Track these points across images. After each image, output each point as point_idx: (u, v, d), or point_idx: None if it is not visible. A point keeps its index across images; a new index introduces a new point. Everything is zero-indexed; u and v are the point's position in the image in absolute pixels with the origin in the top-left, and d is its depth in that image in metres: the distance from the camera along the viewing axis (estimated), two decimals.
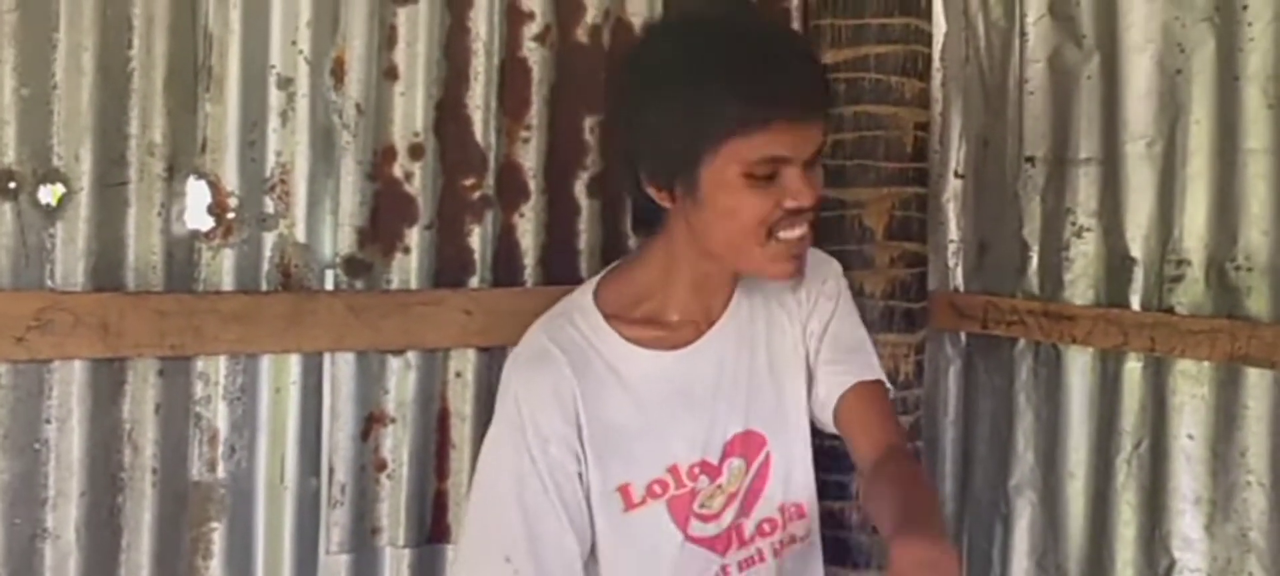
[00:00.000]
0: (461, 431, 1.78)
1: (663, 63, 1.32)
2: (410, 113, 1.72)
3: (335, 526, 1.71)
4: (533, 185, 1.81)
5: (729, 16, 1.33)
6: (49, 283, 1.52)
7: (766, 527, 1.46)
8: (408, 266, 1.74)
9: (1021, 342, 1.89)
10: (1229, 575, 1.64)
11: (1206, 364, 1.63)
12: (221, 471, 1.65)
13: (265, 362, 1.67)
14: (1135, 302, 1.72)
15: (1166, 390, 1.68)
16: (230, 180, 1.63)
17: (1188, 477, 1.67)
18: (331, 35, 1.67)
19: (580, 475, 1.39)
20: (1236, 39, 1.58)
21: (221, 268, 1.63)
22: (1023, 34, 1.85)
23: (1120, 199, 1.72)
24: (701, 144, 1.28)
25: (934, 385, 2.03)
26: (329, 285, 1.69)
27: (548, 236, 1.83)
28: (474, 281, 1.78)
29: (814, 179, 1.32)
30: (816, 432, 1.50)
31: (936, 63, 1.98)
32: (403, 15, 1.71)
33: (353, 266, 1.70)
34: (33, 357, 1.49)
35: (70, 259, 1.53)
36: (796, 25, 2.00)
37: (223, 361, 1.63)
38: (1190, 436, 1.66)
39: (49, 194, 1.52)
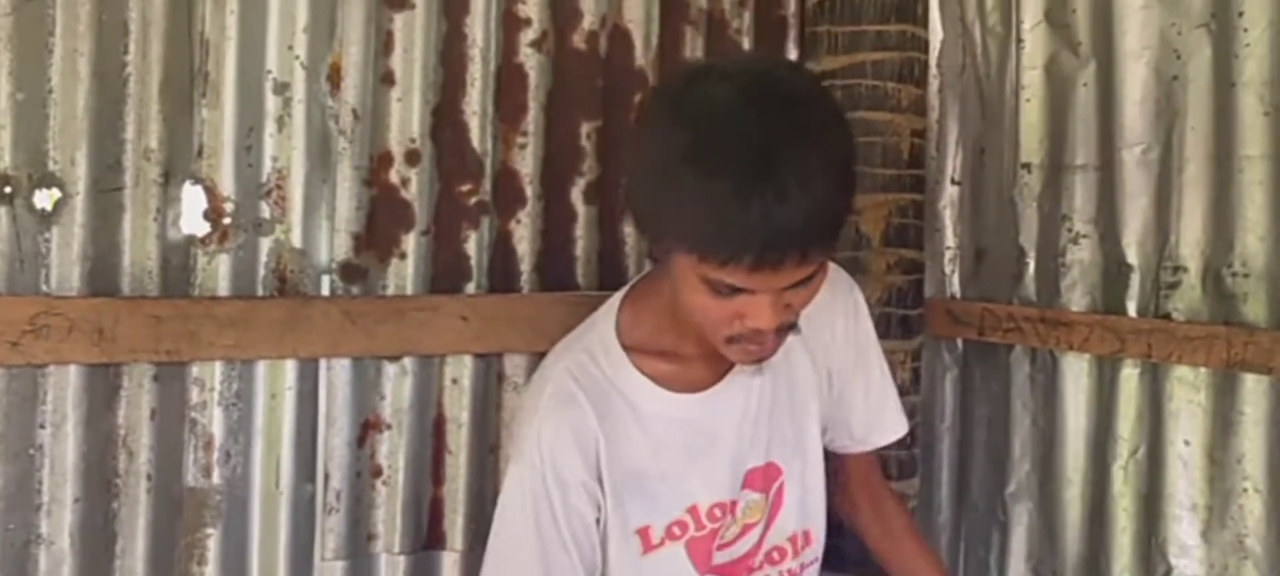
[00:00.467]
0: (458, 437, 1.77)
1: (665, 127, 1.18)
2: (407, 119, 1.72)
3: (330, 533, 1.70)
4: (529, 191, 1.81)
5: (751, 111, 1.13)
6: (44, 287, 1.52)
7: (775, 556, 1.45)
8: (404, 272, 1.73)
9: (1018, 349, 1.89)
10: None
11: (1203, 370, 1.63)
12: (216, 477, 1.64)
13: (261, 368, 1.66)
14: (1132, 309, 1.72)
15: (1163, 396, 1.68)
16: (226, 185, 1.63)
17: (1184, 484, 1.67)
18: (328, 41, 1.67)
19: (598, 520, 1.36)
20: (1232, 46, 1.58)
21: (217, 273, 1.63)
22: (1019, 41, 1.85)
23: (1117, 205, 1.73)
24: (668, 235, 1.20)
25: (931, 392, 2.03)
26: (325, 291, 1.69)
27: (544, 242, 1.83)
28: (470, 287, 1.77)
29: (794, 299, 1.21)
30: None
31: (933, 70, 1.99)
32: (399, 21, 1.71)
33: (349, 272, 1.70)
34: (27, 362, 1.49)
35: (65, 264, 1.53)
36: (793, 32, 2.01)
37: (218, 367, 1.63)
38: (1187, 442, 1.66)
39: (44, 199, 1.52)
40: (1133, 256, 1.72)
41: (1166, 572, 1.69)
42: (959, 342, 2.01)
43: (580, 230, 1.85)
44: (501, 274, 1.80)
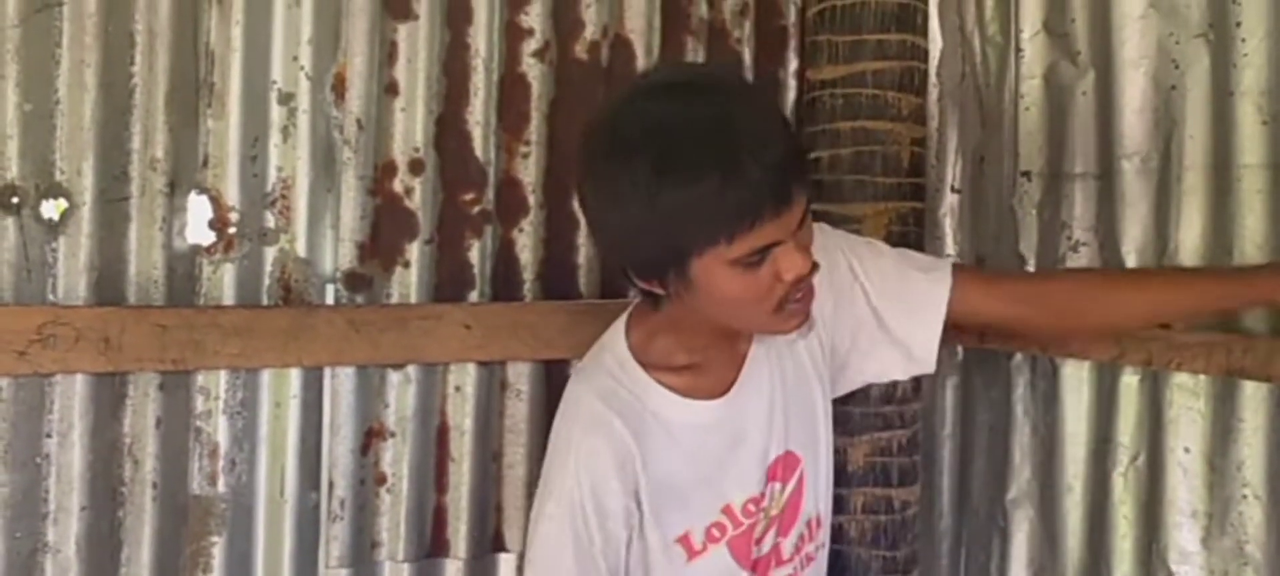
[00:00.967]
0: (461, 445, 1.78)
1: (623, 170, 1.21)
2: (410, 128, 1.73)
3: (335, 540, 1.71)
4: (532, 200, 1.82)
5: (686, 107, 1.21)
6: (51, 297, 1.53)
7: (799, 543, 1.47)
8: (407, 281, 1.74)
9: (1018, 356, 1.90)
10: None
11: (1203, 377, 1.63)
12: (222, 485, 1.65)
13: (266, 377, 1.67)
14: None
15: (1163, 403, 1.69)
16: (231, 195, 1.64)
17: (1184, 491, 1.67)
18: (332, 51, 1.68)
19: (630, 541, 1.38)
20: (1230, 55, 1.58)
21: (222, 282, 1.64)
22: (1018, 50, 1.86)
23: (1116, 213, 1.73)
24: (684, 253, 1.23)
25: (931, 399, 2.04)
26: (329, 299, 1.70)
27: (547, 251, 1.84)
28: (473, 296, 1.79)
29: (806, 241, 1.28)
30: None
31: (933, 78, 2.00)
32: (403, 32, 1.73)
33: (353, 281, 1.71)
34: (35, 372, 1.50)
35: (72, 273, 1.54)
36: (793, 41, 2.02)
37: (223, 376, 1.64)
38: (1187, 449, 1.67)
39: (51, 209, 1.53)
40: (1132, 264, 1.72)
41: None
42: (959, 350, 2.02)
43: (582, 239, 1.86)
44: (504, 282, 1.81)
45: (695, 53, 1.93)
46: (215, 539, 1.66)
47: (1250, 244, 1.58)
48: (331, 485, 1.71)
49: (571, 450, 1.36)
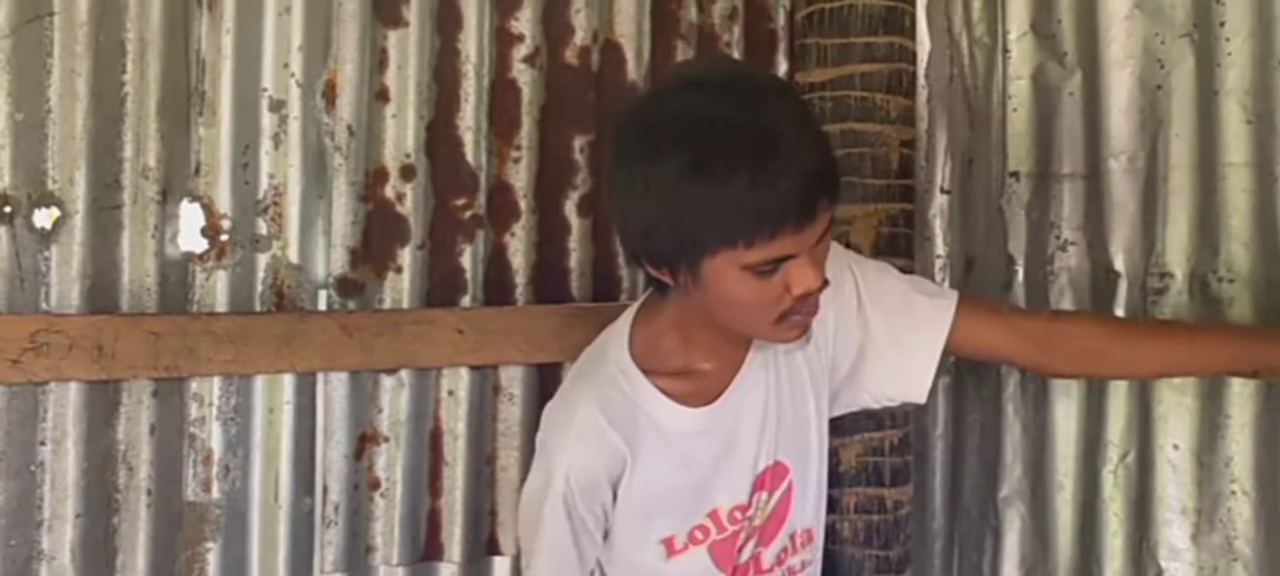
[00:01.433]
0: (454, 449, 1.79)
1: (654, 160, 1.21)
2: (401, 134, 1.74)
3: (329, 545, 1.72)
4: (523, 205, 1.83)
5: (726, 107, 1.20)
6: (44, 305, 1.54)
7: (783, 555, 1.47)
8: (400, 286, 1.75)
9: None
10: None
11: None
12: (216, 491, 1.66)
13: (259, 383, 1.68)
14: (1120, 315, 1.73)
15: (1152, 401, 1.70)
16: (223, 202, 1.65)
17: (1174, 487, 1.68)
18: (323, 58, 1.69)
19: (606, 533, 1.40)
20: (1215, 55, 1.60)
21: (215, 289, 1.65)
22: (1006, 51, 1.87)
23: (1104, 213, 1.74)
24: (700, 249, 1.22)
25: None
26: (322, 305, 1.71)
27: (538, 255, 1.85)
28: (466, 300, 1.79)
29: (822, 256, 1.27)
30: None
31: (921, 80, 2.00)
32: (393, 38, 1.73)
33: (345, 287, 1.72)
34: (28, 380, 1.50)
35: (65, 282, 1.55)
36: (782, 45, 2.03)
37: (217, 382, 1.65)
38: (1176, 446, 1.68)
39: (44, 218, 1.54)
40: (1120, 263, 1.73)
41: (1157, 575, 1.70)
42: None
43: (574, 242, 1.87)
44: (496, 286, 1.82)
45: (685, 57, 1.94)
46: (210, 545, 1.66)
47: (1236, 242, 1.59)
48: (326, 490, 1.72)
49: (564, 454, 1.36)
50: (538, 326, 1.79)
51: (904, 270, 1.88)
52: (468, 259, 1.79)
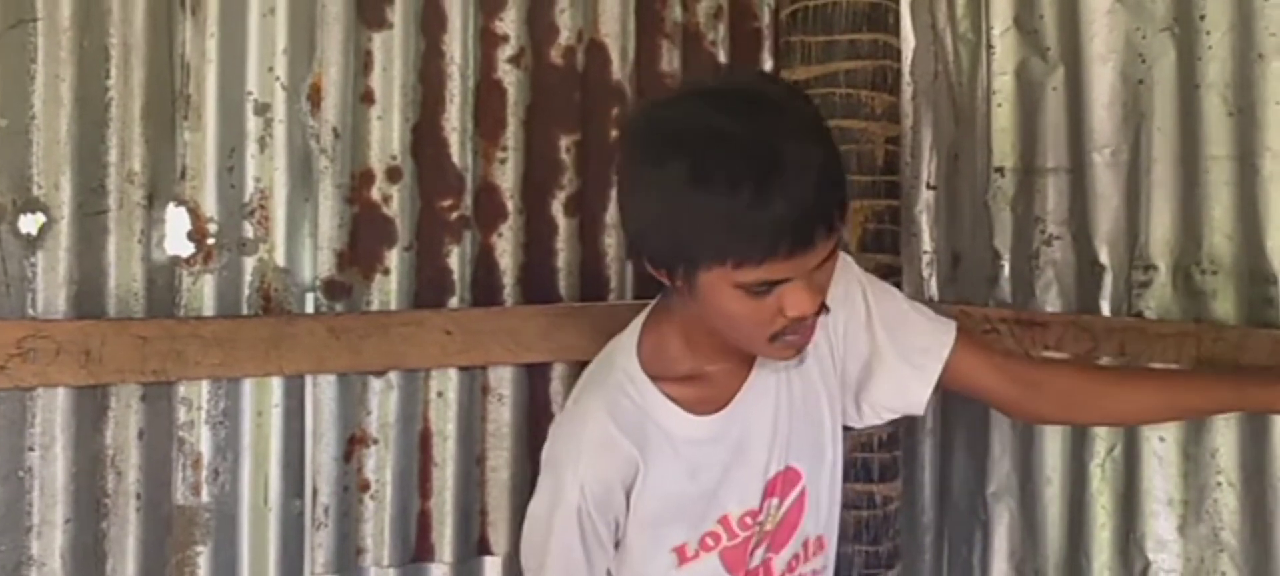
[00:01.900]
0: (444, 450, 1.79)
1: (658, 164, 1.21)
2: (387, 136, 1.75)
3: (320, 548, 1.72)
4: (510, 205, 1.83)
5: (737, 123, 1.18)
6: (31, 311, 1.54)
7: (794, 562, 1.46)
8: (387, 288, 1.75)
9: None
10: (1203, 574, 1.66)
11: (1175, 366, 1.65)
12: (205, 495, 1.66)
13: (247, 386, 1.68)
14: (1105, 308, 1.74)
15: None
16: (209, 206, 1.65)
17: (1160, 480, 1.69)
18: (308, 62, 1.69)
19: (617, 543, 1.40)
20: (1196, 48, 1.60)
21: (202, 293, 1.65)
22: (989, 47, 1.88)
23: (1088, 207, 1.75)
24: (694, 260, 1.22)
25: None
26: (309, 308, 1.71)
27: (526, 255, 1.85)
28: (453, 301, 1.79)
29: (822, 281, 1.25)
30: None
31: (906, 77, 2.01)
32: (378, 40, 1.74)
33: (333, 289, 1.72)
34: (15, 385, 1.50)
35: (51, 287, 1.55)
36: (767, 43, 2.03)
37: (205, 386, 1.65)
38: (1161, 439, 1.69)
39: (30, 223, 1.54)
40: (1105, 256, 1.74)
41: (1145, 567, 1.71)
42: None
43: (561, 242, 1.87)
44: (484, 287, 1.82)
45: (670, 56, 1.95)
46: (200, 548, 1.67)
47: (1219, 234, 1.60)
48: (315, 492, 1.72)
49: (578, 464, 1.35)
50: (526, 326, 1.80)
51: (890, 267, 1.91)
52: (455, 260, 1.80)
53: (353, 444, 1.75)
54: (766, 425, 1.41)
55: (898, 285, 1.93)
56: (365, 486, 1.76)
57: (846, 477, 1.85)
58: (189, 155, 1.64)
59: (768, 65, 2.03)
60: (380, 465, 1.76)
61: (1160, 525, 1.70)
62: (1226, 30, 1.57)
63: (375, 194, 1.74)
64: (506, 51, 1.82)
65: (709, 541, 1.41)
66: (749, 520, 1.41)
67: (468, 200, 1.80)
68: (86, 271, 1.57)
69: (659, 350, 1.39)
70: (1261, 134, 1.54)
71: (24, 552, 1.54)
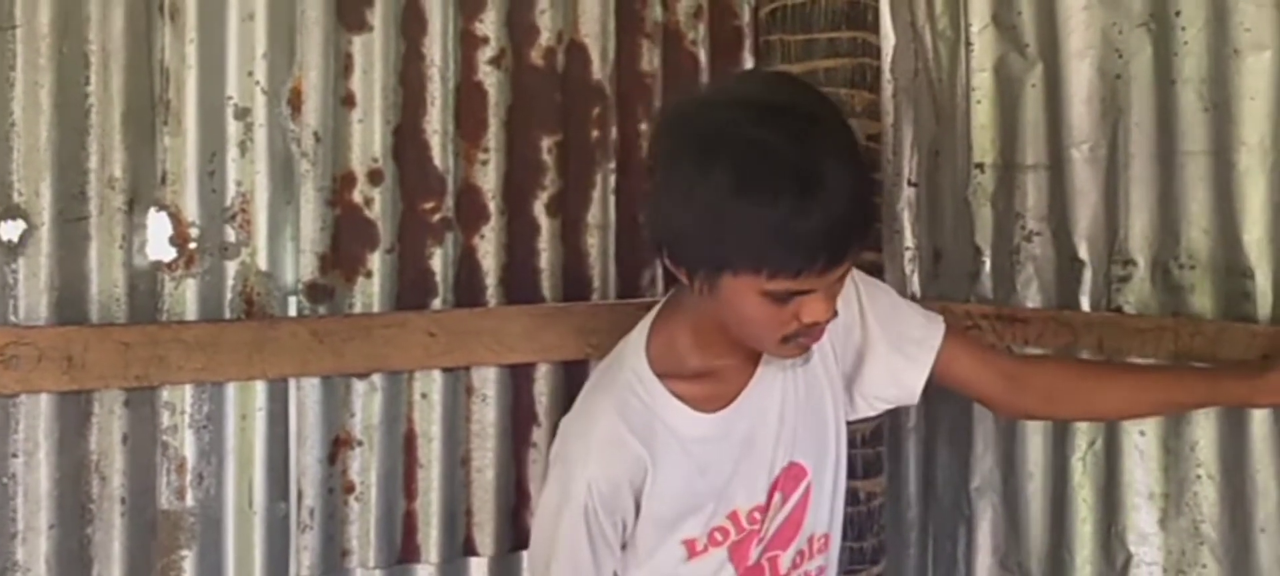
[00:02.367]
0: (428, 452, 1.80)
1: (701, 171, 1.22)
2: (368, 139, 1.75)
3: (305, 550, 1.73)
4: (492, 206, 1.83)
5: (781, 136, 1.20)
6: (12, 318, 1.54)
7: (798, 559, 1.47)
8: (370, 290, 1.76)
9: None
10: (1184, 567, 1.67)
11: (1154, 361, 1.66)
12: (190, 499, 1.67)
13: (230, 390, 1.69)
14: (1085, 303, 1.75)
15: None
16: (191, 211, 1.65)
17: (1141, 473, 1.70)
18: (288, 65, 1.70)
19: (624, 544, 1.41)
20: (1171, 44, 1.61)
21: (184, 298, 1.65)
22: (968, 44, 1.88)
23: (1067, 202, 1.76)
24: (723, 265, 1.24)
25: None
26: (292, 311, 1.72)
27: (508, 256, 1.85)
28: (436, 303, 1.80)
29: (838, 290, 1.29)
30: None
31: (886, 75, 2.02)
32: (358, 43, 1.74)
33: (315, 292, 1.72)
34: None
35: (33, 294, 1.55)
36: (748, 42, 2.04)
37: (188, 390, 1.65)
38: (1142, 433, 1.70)
39: (10, 230, 1.54)
40: (1084, 252, 1.75)
41: (1127, 560, 1.72)
42: None
43: (544, 243, 1.88)
44: (467, 288, 1.83)
45: (650, 56, 1.95)
46: (185, 552, 1.67)
47: (1196, 228, 1.61)
48: (300, 495, 1.72)
49: (587, 463, 1.36)
50: (509, 327, 1.80)
51: (873, 264, 1.92)
52: (437, 261, 1.80)
53: (337, 446, 1.75)
54: (773, 420, 1.42)
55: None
56: (350, 488, 1.76)
57: None
58: (170, 160, 1.64)
59: (748, 64, 2.04)
60: (365, 467, 1.76)
61: (1141, 518, 1.71)
62: (1202, 26, 1.58)
63: (357, 196, 1.75)
64: (487, 53, 1.82)
65: (718, 536, 1.42)
66: (757, 515, 1.42)
67: (449, 202, 1.80)
68: (68, 277, 1.57)
69: (669, 347, 1.41)
70: (1236, 128, 1.55)
71: (9, 559, 1.55)
